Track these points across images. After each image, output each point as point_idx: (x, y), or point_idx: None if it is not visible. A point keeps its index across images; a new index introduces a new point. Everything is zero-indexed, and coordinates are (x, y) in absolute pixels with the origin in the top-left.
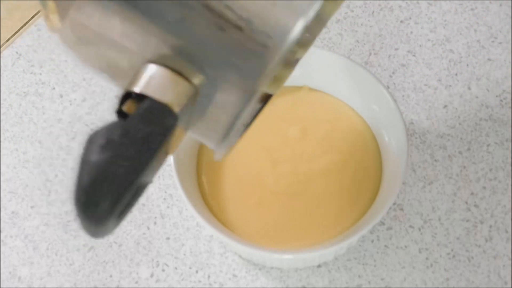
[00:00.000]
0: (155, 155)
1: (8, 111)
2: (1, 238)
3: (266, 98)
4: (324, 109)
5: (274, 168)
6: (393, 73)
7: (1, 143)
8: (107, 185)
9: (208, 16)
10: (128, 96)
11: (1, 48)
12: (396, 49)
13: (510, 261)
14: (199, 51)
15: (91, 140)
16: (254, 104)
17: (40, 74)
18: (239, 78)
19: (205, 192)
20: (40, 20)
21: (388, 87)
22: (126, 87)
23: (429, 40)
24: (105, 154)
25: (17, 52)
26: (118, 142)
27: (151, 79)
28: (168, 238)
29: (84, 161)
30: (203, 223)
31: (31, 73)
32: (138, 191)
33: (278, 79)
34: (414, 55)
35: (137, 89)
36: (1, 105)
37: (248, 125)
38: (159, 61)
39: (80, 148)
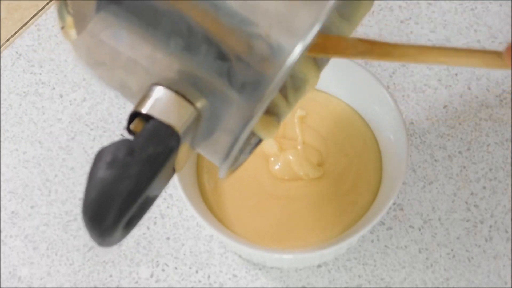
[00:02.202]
0: (158, 174)
1: (8, 111)
2: (1, 238)
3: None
4: (324, 109)
5: (273, 170)
6: (393, 73)
7: (1, 143)
8: (112, 201)
9: (208, 46)
10: (136, 115)
11: (1, 48)
12: None
13: (510, 261)
14: (201, 77)
15: (99, 157)
16: (251, 128)
17: (40, 74)
18: (238, 103)
19: (205, 192)
20: (40, 20)
21: (388, 87)
22: (134, 107)
23: (429, 40)
24: (110, 171)
25: (17, 52)
26: (123, 161)
27: (157, 101)
28: (168, 238)
29: (91, 177)
30: (203, 223)
31: (31, 73)
32: (146, 204)
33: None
34: None
35: (144, 110)
36: (1, 105)
37: (250, 150)
38: (166, 84)
39: (80, 148)
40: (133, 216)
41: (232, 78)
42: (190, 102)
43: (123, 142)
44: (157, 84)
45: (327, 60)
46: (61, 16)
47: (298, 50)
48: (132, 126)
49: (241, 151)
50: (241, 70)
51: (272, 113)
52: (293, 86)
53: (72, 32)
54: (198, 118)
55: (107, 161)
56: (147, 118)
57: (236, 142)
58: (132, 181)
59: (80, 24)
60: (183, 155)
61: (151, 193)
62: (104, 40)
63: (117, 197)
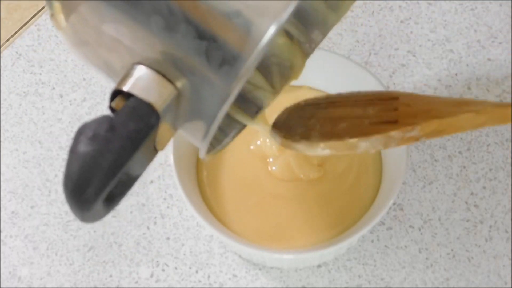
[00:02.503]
0: (138, 150)
1: (8, 111)
2: (1, 238)
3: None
4: None
5: (272, 171)
6: (393, 73)
7: (1, 143)
8: (92, 175)
9: (187, 26)
10: (117, 93)
11: (1, 48)
12: (396, 49)
13: (510, 261)
14: (181, 56)
15: (80, 132)
16: (228, 108)
17: (40, 74)
18: (216, 82)
19: (205, 192)
20: (40, 20)
21: (388, 87)
22: (116, 85)
23: (429, 40)
24: (91, 147)
25: (17, 52)
26: (104, 136)
27: (138, 80)
28: (168, 238)
29: (73, 151)
30: (203, 223)
31: (31, 73)
32: (128, 183)
33: None
34: (414, 55)
35: (125, 88)
36: (1, 105)
37: (234, 135)
38: (147, 63)
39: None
40: (115, 193)
41: (210, 57)
42: (170, 81)
43: (104, 118)
44: (139, 63)
45: (314, 49)
46: (49, 4)
47: (272, 30)
48: (113, 104)
49: (225, 134)
50: (218, 49)
51: (256, 98)
52: (279, 72)
53: (61, 17)
54: (178, 97)
55: (89, 136)
56: (128, 96)
57: (214, 121)
58: (113, 156)
59: (67, 8)
60: (164, 134)
61: (133, 171)
62: (88, 19)
63: (98, 171)
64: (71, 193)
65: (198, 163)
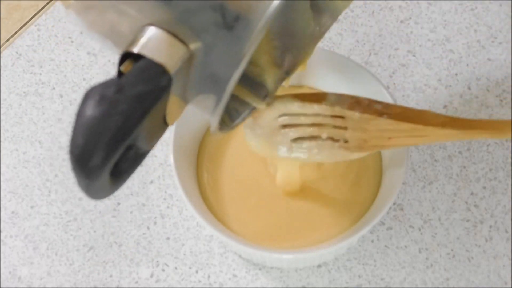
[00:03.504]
0: (148, 114)
1: (8, 111)
2: (1, 238)
3: None
4: None
5: (272, 171)
6: (393, 73)
7: (1, 143)
8: (100, 140)
9: None
10: (127, 56)
11: (1, 48)
12: (396, 49)
13: (510, 261)
14: (195, 14)
15: (87, 96)
16: (241, 73)
17: (40, 74)
18: (229, 42)
19: (205, 192)
20: (40, 20)
21: (388, 87)
22: (125, 47)
23: (429, 40)
24: (99, 109)
25: (17, 52)
26: (112, 98)
27: (149, 41)
28: (168, 238)
29: (79, 116)
30: (203, 223)
31: (31, 73)
32: (137, 158)
33: None
34: (414, 55)
35: (134, 49)
36: (1, 105)
37: (245, 116)
38: (158, 24)
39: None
40: (123, 168)
41: (225, 13)
42: (183, 42)
43: (112, 81)
44: (150, 24)
45: (323, 33)
46: None
47: None
48: (122, 68)
49: (238, 113)
50: (233, 5)
51: (265, 81)
52: (289, 51)
53: None
54: (190, 59)
55: (96, 99)
56: (138, 58)
57: (227, 86)
58: (121, 118)
59: None
60: (175, 106)
61: (141, 144)
62: None
63: (105, 134)
64: (77, 160)
65: (198, 163)
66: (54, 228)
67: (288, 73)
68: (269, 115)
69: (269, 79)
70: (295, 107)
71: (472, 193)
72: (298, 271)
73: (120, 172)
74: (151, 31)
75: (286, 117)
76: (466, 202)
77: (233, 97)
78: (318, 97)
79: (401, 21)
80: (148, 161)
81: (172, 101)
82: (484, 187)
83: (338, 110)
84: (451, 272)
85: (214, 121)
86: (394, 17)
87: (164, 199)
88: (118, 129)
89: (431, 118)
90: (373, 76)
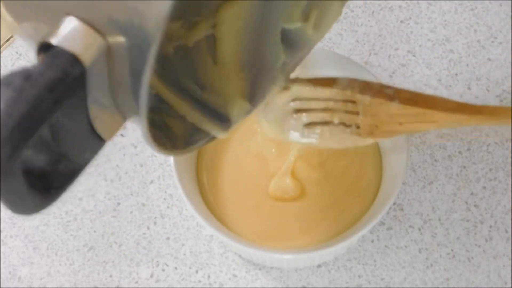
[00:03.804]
0: (59, 103)
1: None
2: (1, 238)
3: None
4: None
5: (272, 171)
6: (393, 73)
7: None
8: (4, 128)
9: None
10: (42, 48)
11: (1, 48)
12: (396, 49)
13: (510, 261)
14: (109, 7)
15: None
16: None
17: None
18: (137, 40)
19: (205, 192)
20: None
21: None
22: (41, 39)
23: (429, 40)
24: (2, 97)
25: (17, 52)
26: (17, 84)
27: (63, 31)
28: (168, 238)
29: None
30: (203, 223)
31: None
32: (71, 173)
33: None
34: (414, 55)
35: (47, 39)
36: None
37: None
38: (76, 14)
39: None
40: (54, 183)
41: (132, 5)
42: (100, 33)
43: (21, 69)
44: (68, 14)
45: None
46: None
47: None
48: (38, 60)
49: (194, 140)
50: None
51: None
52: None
53: None
54: (109, 54)
55: (1, 89)
56: (52, 48)
57: (141, 91)
58: (26, 106)
59: None
60: (105, 115)
61: (71, 155)
62: None
63: (8, 123)
64: None
65: (198, 163)
66: (54, 228)
67: (255, 105)
68: (281, 99)
69: (234, 110)
70: (307, 91)
71: (472, 193)
72: (298, 271)
73: (52, 187)
74: (68, 22)
75: (298, 102)
76: (466, 202)
77: (191, 125)
78: (329, 82)
79: (401, 21)
80: (148, 161)
81: (97, 105)
82: (484, 187)
83: (349, 94)
84: (451, 272)
85: (145, 134)
86: (394, 17)
87: (164, 199)
88: (23, 117)
89: (441, 103)
90: (373, 76)
